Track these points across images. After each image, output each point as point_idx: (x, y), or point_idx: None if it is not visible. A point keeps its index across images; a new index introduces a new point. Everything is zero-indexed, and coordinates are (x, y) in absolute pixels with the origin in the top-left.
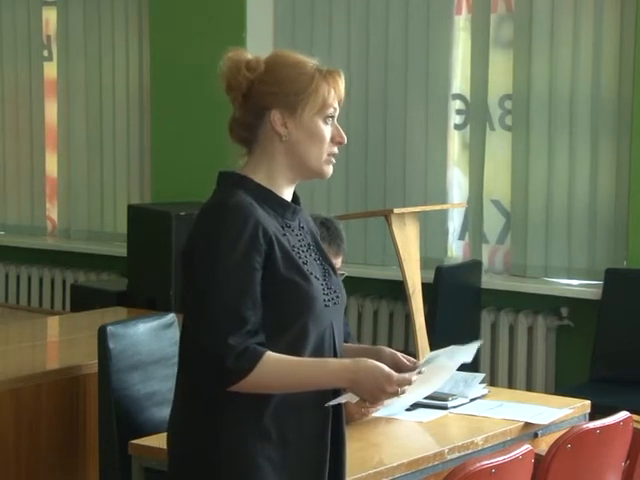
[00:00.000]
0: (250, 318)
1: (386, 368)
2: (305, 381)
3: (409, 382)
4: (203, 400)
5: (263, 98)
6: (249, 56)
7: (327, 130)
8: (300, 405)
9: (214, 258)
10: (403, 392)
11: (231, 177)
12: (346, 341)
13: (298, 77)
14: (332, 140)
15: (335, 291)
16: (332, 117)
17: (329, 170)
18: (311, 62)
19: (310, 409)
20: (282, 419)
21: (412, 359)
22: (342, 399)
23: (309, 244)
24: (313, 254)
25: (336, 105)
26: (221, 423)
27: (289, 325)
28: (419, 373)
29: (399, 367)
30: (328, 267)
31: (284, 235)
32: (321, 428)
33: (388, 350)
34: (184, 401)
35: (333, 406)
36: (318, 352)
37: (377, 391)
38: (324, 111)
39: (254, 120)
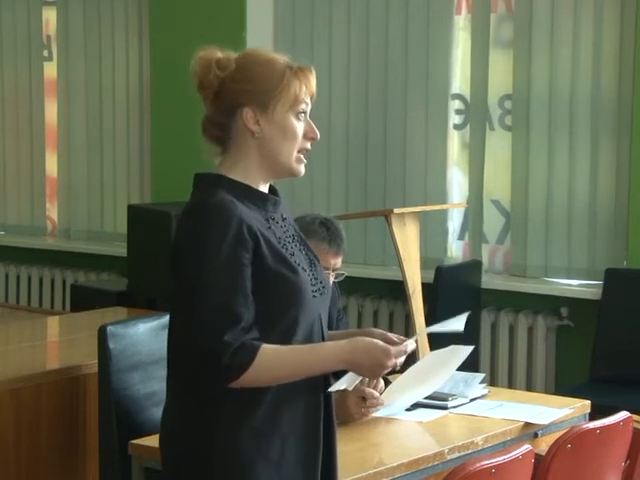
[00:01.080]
0: (243, 314)
1: (381, 343)
2: (304, 368)
3: (405, 352)
4: (196, 400)
5: (235, 96)
6: (219, 54)
7: (300, 126)
8: (293, 401)
9: (202, 258)
10: (401, 363)
11: (208, 178)
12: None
13: (269, 74)
14: (305, 136)
15: (321, 282)
16: (304, 113)
17: (300, 169)
18: (282, 59)
19: (303, 405)
20: (276, 416)
21: (402, 337)
22: (344, 382)
23: (293, 235)
24: (298, 245)
25: (308, 101)
26: (215, 422)
27: (279, 318)
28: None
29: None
30: (313, 258)
31: (269, 228)
32: (314, 423)
33: (378, 330)
34: (176, 402)
35: (324, 401)
36: (308, 343)
37: (376, 367)
38: (296, 107)
39: (226, 119)
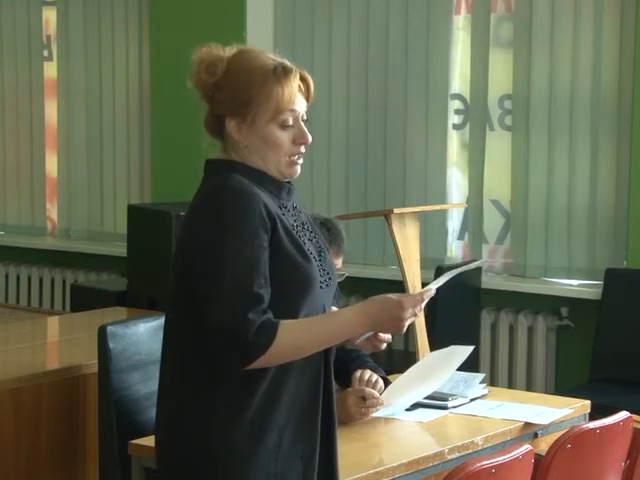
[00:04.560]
0: (264, 295)
1: (394, 296)
2: (325, 336)
3: (421, 300)
4: (192, 393)
5: (219, 105)
6: (212, 57)
7: (284, 135)
8: (291, 391)
9: (222, 240)
10: (421, 310)
11: (221, 163)
12: None
13: (249, 85)
14: (294, 142)
15: (328, 273)
16: (291, 120)
17: (293, 171)
18: (269, 63)
19: (301, 395)
20: (273, 406)
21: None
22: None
23: (304, 223)
24: (308, 233)
25: (295, 107)
26: (211, 414)
27: (285, 303)
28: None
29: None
30: (323, 247)
31: (283, 215)
32: (312, 414)
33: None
34: (171, 397)
35: (323, 387)
36: None
37: (396, 322)
38: (278, 117)
39: (216, 125)
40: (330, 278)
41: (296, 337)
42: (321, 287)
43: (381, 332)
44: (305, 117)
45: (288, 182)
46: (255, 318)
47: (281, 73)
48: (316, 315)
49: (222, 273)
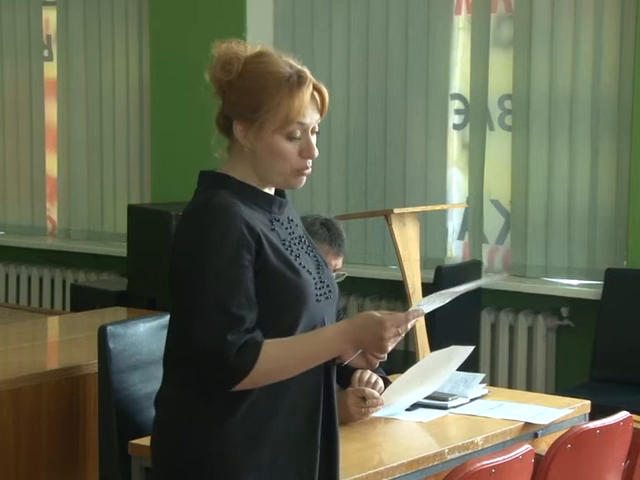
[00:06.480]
0: (246, 316)
1: (377, 314)
2: (310, 355)
3: (405, 320)
4: (187, 403)
5: (229, 106)
6: (231, 54)
7: (290, 146)
8: (289, 404)
9: (203, 260)
10: (405, 330)
11: (212, 177)
12: None
13: (262, 90)
14: (300, 155)
15: (328, 285)
16: (299, 132)
17: (297, 182)
18: (284, 72)
19: (300, 407)
20: (270, 420)
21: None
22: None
23: (300, 237)
24: (305, 247)
25: (305, 120)
26: (204, 426)
27: (280, 320)
28: (417, 310)
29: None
30: (321, 261)
31: (273, 230)
32: (311, 427)
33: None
34: (168, 404)
35: (324, 402)
36: None
37: (378, 341)
38: (285, 128)
39: (225, 124)
40: (330, 291)
41: (281, 357)
42: (318, 300)
43: (365, 350)
44: (317, 129)
45: (280, 196)
46: (235, 339)
47: (295, 83)
48: (303, 333)
49: (201, 294)
